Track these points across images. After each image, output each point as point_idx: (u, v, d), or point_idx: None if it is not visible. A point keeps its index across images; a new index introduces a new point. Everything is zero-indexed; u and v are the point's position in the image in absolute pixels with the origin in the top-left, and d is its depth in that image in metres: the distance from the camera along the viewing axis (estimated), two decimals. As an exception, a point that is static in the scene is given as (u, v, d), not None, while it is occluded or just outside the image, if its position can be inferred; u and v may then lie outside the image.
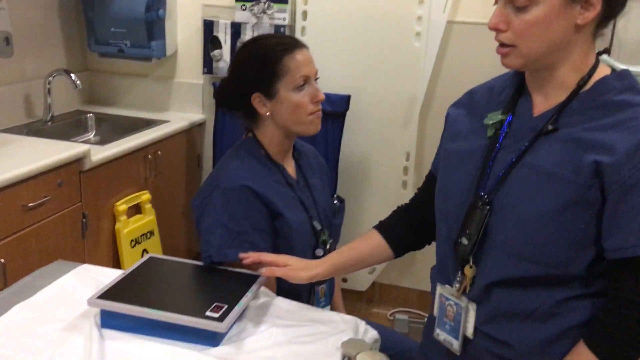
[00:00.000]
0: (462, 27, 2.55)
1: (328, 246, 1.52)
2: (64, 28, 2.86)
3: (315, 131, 1.49)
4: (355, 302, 2.91)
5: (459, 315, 1.11)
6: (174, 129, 2.72)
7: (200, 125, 2.99)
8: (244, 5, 2.66)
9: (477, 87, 1.22)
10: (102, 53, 2.92)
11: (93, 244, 2.27)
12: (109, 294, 1.19)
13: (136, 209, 2.53)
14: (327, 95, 1.57)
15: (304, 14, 2.59)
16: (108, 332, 1.15)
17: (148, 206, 2.56)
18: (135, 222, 2.48)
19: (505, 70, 1.14)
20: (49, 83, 2.64)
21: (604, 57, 1.08)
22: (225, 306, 1.17)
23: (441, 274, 1.18)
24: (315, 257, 1.51)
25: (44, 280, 1.34)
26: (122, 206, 2.38)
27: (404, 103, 2.61)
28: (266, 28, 2.67)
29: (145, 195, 2.54)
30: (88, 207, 2.21)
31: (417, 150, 2.68)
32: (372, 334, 1.28)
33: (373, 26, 2.55)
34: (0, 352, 1.07)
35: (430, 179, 1.31)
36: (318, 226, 1.51)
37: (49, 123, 2.64)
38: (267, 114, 1.46)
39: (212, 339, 1.14)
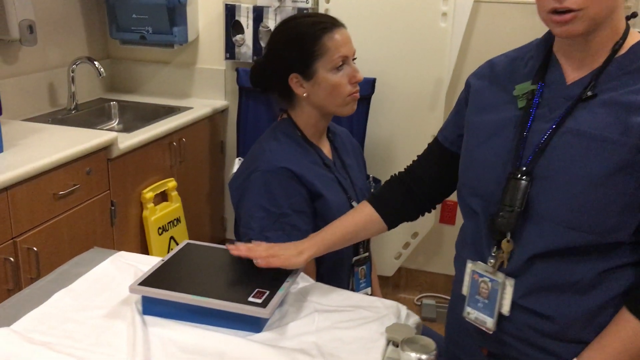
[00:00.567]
0: (490, 5, 2.50)
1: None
2: (85, 15, 2.86)
3: (351, 112, 1.46)
4: (381, 288, 2.85)
5: (494, 292, 1.09)
6: (198, 115, 2.71)
7: (223, 111, 2.98)
8: (266, -12, 2.63)
9: (497, 58, 1.19)
10: (124, 40, 2.91)
11: (122, 231, 2.28)
12: (150, 280, 1.18)
13: (162, 197, 2.52)
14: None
15: (328, -4, 2.56)
16: (150, 319, 1.14)
17: (174, 193, 2.55)
18: (162, 210, 2.48)
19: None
20: (73, 71, 2.63)
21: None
22: (267, 292, 1.15)
23: (473, 251, 1.14)
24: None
25: (82, 267, 1.34)
26: (149, 194, 2.38)
27: (430, 85, 2.58)
28: (289, 12, 2.64)
29: (171, 183, 2.53)
30: (116, 195, 2.21)
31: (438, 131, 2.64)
32: (414, 319, 1.26)
33: (398, 7, 2.51)
34: (44, 339, 1.07)
35: (437, 149, 1.28)
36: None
37: (73, 111, 2.65)
38: (304, 94, 1.44)
39: (254, 324, 1.12)
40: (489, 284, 1.09)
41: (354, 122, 2.48)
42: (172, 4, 2.70)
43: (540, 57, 1.09)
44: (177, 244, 2.52)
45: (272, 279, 1.20)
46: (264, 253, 1.22)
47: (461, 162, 1.18)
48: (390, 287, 2.96)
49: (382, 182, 1.68)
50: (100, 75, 2.60)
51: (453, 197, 2.94)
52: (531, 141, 1.04)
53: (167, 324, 1.13)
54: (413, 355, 1.01)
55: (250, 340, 1.09)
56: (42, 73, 2.58)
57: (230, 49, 2.81)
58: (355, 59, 1.46)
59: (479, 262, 1.12)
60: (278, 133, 1.47)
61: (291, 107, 1.49)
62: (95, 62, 2.59)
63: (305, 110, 1.47)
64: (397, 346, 1.07)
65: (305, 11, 2.58)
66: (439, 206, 2.70)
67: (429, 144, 1.32)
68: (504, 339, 1.10)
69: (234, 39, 2.77)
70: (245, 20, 2.74)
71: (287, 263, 1.22)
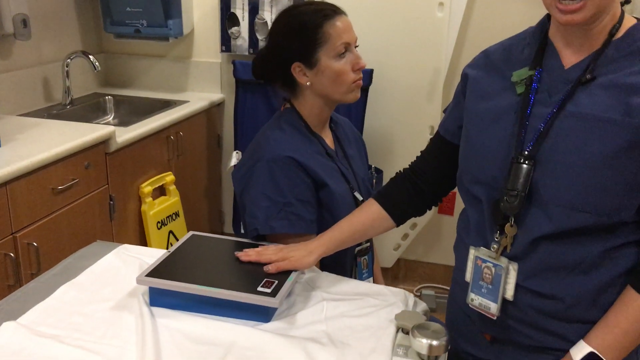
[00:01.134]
0: (486, -5, 2.50)
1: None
2: (78, 9, 2.83)
3: (355, 99, 1.45)
4: (381, 279, 2.90)
5: (498, 276, 1.09)
6: (194, 109, 2.70)
7: (219, 105, 2.96)
8: (262, -20, 2.61)
9: (492, 47, 1.19)
10: (118, 34, 2.89)
11: (121, 225, 2.26)
12: (157, 272, 1.17)
13: (161, 191, 2.51)
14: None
15: (324, -13, 2.55)
16: (157, 310, 1.14)
17: (172, 187, 2.54)
18: (161, 204, 2.46)
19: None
20: (67, 66, 2.61)
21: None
22: (276, 282, 1.15)
23: (476, 237, 1.15)
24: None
25: (86, 260, 1.33)
26: (147, 188, 2.37)
27: (427, 75, 2.57)
28: (285, 3, 2.62)
29: (169, 177, 2.52)
30: (114, 189, 2.20)
31: (438, 125, 2.64)
32: (422, 306, 1.27)
33: (395, -3, 2.50)
34: (52, 332, 1.06)
35: (440, 142, 1.28)
36: (359, 197, 1.49)
37: (69, 106, 2.62)
38: (308, 83, 1.43)
39: (263, 314, 1.12)
40: (493, 269, 1.10)
41: (351, 113, 2.48)
42: (167, -4, 2.68)
43: (536, 43, 1.10)
44: (177, 239, 2.52)
45: (279, 269, 1.20)
46: (273, 257, 1.23)
47: (461, 151, 1.19)
48: (389, 278, 2.96)
49: (383, 173, 1.69)
50: (96, 69, 2.58)
51: (452, 187, 2.91)
52: (532, 126, 1.05)
53: (175, 315, 1.12)
54: (424, 341, 1.01)
55: (261, 330, 1.09)
56: (36, 68, 2.56)
57: (226, 42, 2.80)
58: (357, 46, 1.45)
59: (482, 247, 1.12)
60: (282, 122, 1.46)
61: (294, 96, 1.49)
62: (90, 56, 2.57)
63: (309, 100, 1.46)
64: (407, 333, 1.07)
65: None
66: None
67: (431, 139, 1.33)
68: (508, 323, 1.11)
69: (229, 31, 2.75)
70: (241, 12, 2.72)
71: (297, 265, 1.22)
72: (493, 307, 1.10)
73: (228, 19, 2.74)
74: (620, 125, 0.96)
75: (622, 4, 1.06)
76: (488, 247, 1.11)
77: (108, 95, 2.87)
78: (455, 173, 1.25)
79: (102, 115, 2.82)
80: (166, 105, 2.71)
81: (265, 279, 1.15)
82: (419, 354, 1.03)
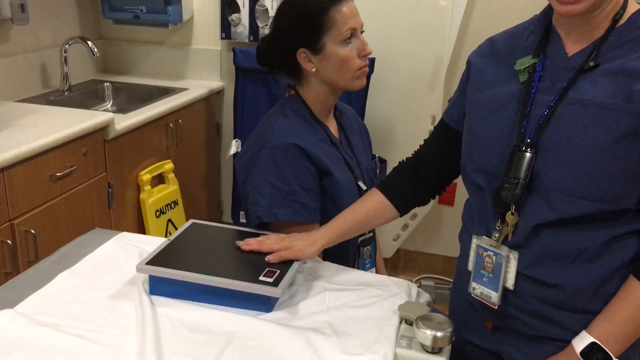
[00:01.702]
0: (490, -16, 2.47)
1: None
2: (77, -6, 2.79)
3: (361, 87, 1.43)
4: (380, 269, 2.89)
5: (498, 265, 1.08)
6: (194, 96, 2.67)
7: (219, 92, 2.93)
8: (263, -34, 2.58)
9: (497, 36, 1.18)
10: (117, 20, 2.85)
11: (119, 214, 2.24)
12: (157, 260, 1.15)
13: (159, 179, 2.49)
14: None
15: (326, -26, 2.51)
16: (157, 299, 1.12)
17: (171, 175, 2.52)
18: (160, 192, 2.44)
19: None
20: (65, 52, 2.58)
21: None
22: (278, 271, 1.13)
23: (478, 226, 1.14)
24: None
25: (85, 248, 1.31)
26: (146, 176, 2.35)
27: (429, 65, 2.55)
28: (286, -10, 2.59)
29: (168, 165, 2.50)
30: (113, 176, 2.18)
31: (443, 113, 2.62)
32: (425, 297, 1.25)
33: (397, -15, 2.47)
34: (50, 320, 1.04)
35: (444, 130, 1.26)
36: (363, 186, 1.47)
37: (66, 93, 2.59)
38: (313, 70, 1.41)
39: (265, 304, 1.11)
40: (494, 258, 1.09)
41: (353, 102, 2.45)
42: (166, -19, 2.64)
43: (540, 31, 1.09)
44: (175, 227, 2.50)
45: (281, 258, 1.18)
46: (275, 246, 1.21)
47: (464, 139, 1.18)
48: (388, 268, 2.95)
49: (387, 163, 1.67)
50: (94, 55, 2.55)
51: (453, 177, 2.90)
52: (535, 114, 1.04)
53: (175, 304, 1.11)
54: (429, 332, 0.99)
55: (262, 320, 1.07)
56: (34, 53, 2.53)
57: (226, 29, 2.76)
58: (363, 32, 1.43)
59: (484, 236, 1.11)
60: (287, 109, 1.44)
61: (299, 83, 1.46)
62: (89, 42, 2.53)
63: (314, 87, 1.44)
64: (411, 324, 1.06)
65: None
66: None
67: (435, 127, 1.31)
68: (509, 312, 1.10)
69: (229, 18, 2.72)
70: (241, -1, 2.69)
71: (300, 254, 1.21)
72: (494, 296, 1.09)
73: (228, 5, 2.71)
74: (622, 111, 0.95)
75: None
76: (490, 235, 1.10)
77: (106, 82, 2.84)
78: (459, 160, 1.24)
79: (100, 102, 2.79)
80: (165, 92, 2.68)
81: (267, 269, 1.14)
82: (422, 345, 1.01)
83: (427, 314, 1.04)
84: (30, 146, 1.76)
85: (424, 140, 1.33)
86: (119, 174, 2.22)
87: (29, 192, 1.79)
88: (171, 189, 2.52)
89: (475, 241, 1.13)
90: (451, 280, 2.85)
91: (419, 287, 1.29)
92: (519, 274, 1.07)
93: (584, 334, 1.02)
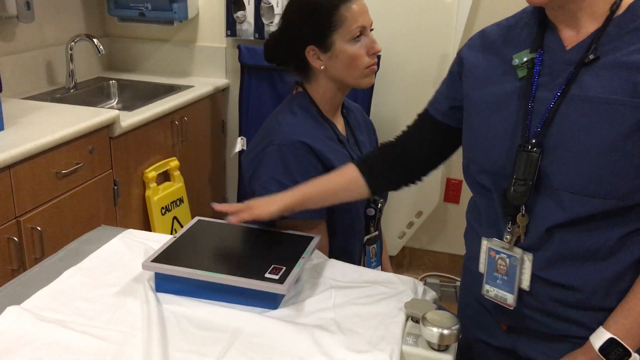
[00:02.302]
0: (497, -20, 2.46)
1: (379, 205, 1.48)
2: (82, -8, 2.80)
3: (369, 85, 1.43)
4: (385, 267, 2.88)
5: (513, 268, 1.06)
6: (199, 94, 2.67)
7: (224, 90, 2.93)
8: (268, -37, 2.58)
9: (489, 28, 1.14)
10: (123, 17, 2.85)
11: (125, 211, 2.25)
12: (163, 257, 1.15)
13: (165, 176, 2.49)
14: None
15: (331, -29, 2.50)
16: (163, 296, 1.12)
17: (177, 173, 2.52)
18: (165, 190, 2.45)
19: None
20: (71, 49, 2.58)
21: None
22: (284, 268, 1.13)
23: (487, 228, 1.12)
24: (366, 216, 1.47)
25: (91, 245, 1.31)
26: (151, 173, 2.35)
27: (435, 62, 2.54)
28: (291, -13, 2.58)
29: (174, 162, 2.50)
30: (119, 174, 2.18)
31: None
32: (431, 294, 1.25)
33: (403, -18, 2.46)
34: (57, 317, 1.04)
35: (428, 121, 1.24)
36: (369, 184, 1.46)
37: (72, 90, 2.60)
38: (322, 67, 1.40)
39: (271, 301, 1.10)
40: (507, 261, 1.07)
41: (358, 99, 2.45)
42: (172, -21, 2.64)
43: (535, 23, 1.06)
44: (181, 225, 2.51)
45: (287, 255, 1.18)
46: (239, 207, 1.23)
47: (465, 140, 1.15)
48: (394, 266, 2.93)
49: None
50: (100, 53, 2.55)
51: (457, 175, 2.94)
52: (537, 111, 1.01)
53: (181, 301, 1.11)
54: (435, 330, 0.99)
55: (268, 317, 1.07)
56: (39, 51, 2.53)
57: (231, 26, 2.76)
58: (372, 29, 1.42)
59: (495, 238, 1.09)
60: (294, 106, 1.43)
61: (307, 80, 1.46)
62: (94, 40, 2.54)
63: (322, 84, 1.44)
64: (417, 322, 1.06)
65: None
66: (444, 185, 2.70)
67: (418, 115, 1.28)
68: (525, 312, 1.09)
69: (235, 15, 2.72)
70: (247, -4, 2.69)
71: (258, 212, 1.21)
72: (510, 298, 1.08)
73: (233, 2, 2.71)
74: (628, 106, 0.93)
75: None
76: (501, 237, 1.08)
77: (112, 79, 2.84)
78: (441, 153, 1.24)
79: (106, 100, 2.80)
80: (170, 90, 2.68)
81: (273, 266, 1.13)
82: (429, 343, 1.01)
83: (433, 312, 1.04)
84: (36, 143, 1.76)
85: (407, 126, 1.30)
86: (124, 172, 2.22)
87: (35, 189, 1.79)
88: (176, 186, 2.52)
89: (485, 243, 1.11)
90: (456, 278, 2.86)
91: (424, 284, 1.28)
92: (533, 275, 1.05)
93: (601, 330, 1.01)
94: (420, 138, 1.25)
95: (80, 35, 2.59)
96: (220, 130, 2.97)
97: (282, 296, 1.12)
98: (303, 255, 1.18)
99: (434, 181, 2.59)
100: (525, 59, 1.03)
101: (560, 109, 0.99)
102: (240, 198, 2.72)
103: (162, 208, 2.43)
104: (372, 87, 2.53)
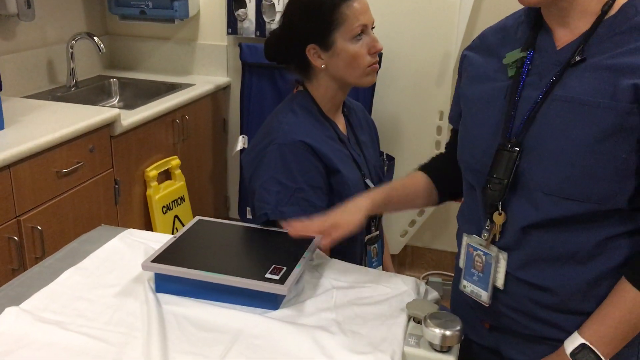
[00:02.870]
0: (499, -23, 2.44)
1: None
2: (83, -10, 2.79)
3: (371, 83, 1.42)
4: (387, 265, 2.87)
5: (488, 265, 1.07)
6: (200, 92, 2.66)
7: (225, 88, 2.92)
8: (269, -40, 2.56)
9: (488, 29, 1.15)
10: (124, 15, 2.85)
11: (126, 210, 2.24)
12: (163, 257, 1.14)
13: (166, 175, 2.49)
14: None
15: (332, -32, 2.49)
16: (163, 297, 1.11)
17: (178, 172, 2.51)
18: (166, 188, 2.44)
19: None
20: (72, 47, 2.57)
21: None
22: (284, 268, 1.12)
23: (468, 224, 1.13)
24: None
25: (91, 245, 1.31)
26: (152, 172, 2.34)
27: (437, 59, 2.53)
28: (293, -15, 2.57)
29: (175, 161, 2.49)
30: (119, 173, 2.18)
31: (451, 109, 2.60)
32: (433, 294, 1.24)
33: (405, -21, 2.45)
34: (56, 318, 1.04)
35: (452, 132, 1.26)
36: (371, 184, 1.45)
37: (73, 89, 2.59)
38: (323, 66, 1.39)
39: (271, 301, 1.09)
40: (483, 257, 1.08)
41: (360, 98, 2.44)
42: (173, -23, 2.63)
43: (530, 22, 1.05)
44: (182, 223, 2.50)
45: (288, 255, 1.17)
46: (321, 228, 1.18)
47: (458, 137, 1.16)
48: (396, 265, 2.93)
49: (395, 160, 1.65)
50: (101, 51, 2.54)
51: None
52: (521, 110, 1.01)
53: (181, 302, 1.10)
54: (437, 331, 0.98)
55: (268, 318, 1.06)
56: (40, 49, 2.52)
57: (232, 24, 2.75)
58: (374, 27, 1.41)
59: (474, 235, 1.10)
60: (295, 106, 1.42)
61: (308, 79, 1.45)
62: (95, 38, 2.53)
63: (323, 83, 1.43)
64: (419, 322, 1.05)
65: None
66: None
67: (451, 130, 1.29)
68: (502, 311, 1.08)
69: (236, 13, 2.71)
70: (248, -7, 2.68)
71: (350, 228, 1.17)
72: (484, 295, 1.08)
73: (234, 0, 2.70)
74: (605, 109, 0.92)
75: None
76: (480, 235, 1.08)
77: (113, 77, 2.84)
78: None
79: (107, 98, 2.79)
80: (172, 88, 2.67)
81: (274, 266, 1.13)
82: (431, 344, 1.00)
83: (435, 312, 1.03)
84: (37, 142, 1.76)
85: (446, 144, 1.32)
86: (125, 170, 2.21)
87: (36, 189, 1.79)
88: (178, 185, 2.51)
89: (465, 239, 1.11)
90: (459, 277, 2.85)
91: (426, 283, 1.27)
92: (509, 274, 1.05)
93: (575, 335, 1.00)
94: (453, 145, 1.26)
95: (80, 34, 2.58)
96: (221, 129, 2.96)
97: (283, 297, 1.11)
98: (304, 256, 1.17)
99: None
100: (515, 58, 1.03)
101: (542, 109, 0.98)
102: (242, 196, 2.72)
103: (164, 207, 2.42)
104: (373, 86, 2.51)
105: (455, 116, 1.20)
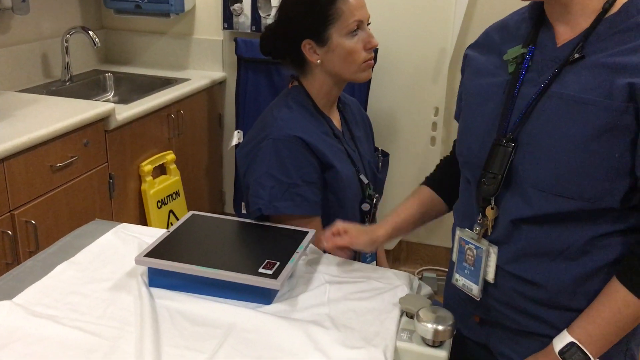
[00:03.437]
0: (495, -27, 2.44)
1: (374, 200, 1.47)
2: (78, -16, 2.77)
3: (366, 79, 1.42)
4: (382, 261, 2.88)
5: (479, 259, 1.08)
6: (196, 87, 2.65)
7: (221, 83, 2.92)
8: (265, -45, 2.56)
9: (491, 26, 1.16)
10: (119, 9, 2.84)
11: (121, 204, 2.24)
12: (156, 252, 1.14)
13: (161, 170, 2.48)
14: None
15: (328, -37, 2.48)
16: (157, 291, 1.11)
17: (173, 166, 2.51)
18: (161, 183, 2.44)
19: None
20: (66, 41, 2.56)
21: None
22: (278, 263, 1.12)
23: (462, 219, 1.14)
24: (361, 211, 1.46)
25: (84, 239, 1.30)
26: (147, 166, 2.34)
27: (433, 55, 2.53)
28: (288, -21, 2.56)
29: (170, 156, 2.49)
30: (114, 167, 2.17)
31: (446, 105, 2.60)
32: (426, 289, 1.25)
33: (401, -25, 2.45)
34: (49, 312, 1.04)
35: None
36: (365, 180, 1.46)
37: (68, 83, 2.58)
38: (318, 61, 1.39)
39: (265, 296, 1.10)
40: (474, 251, 1.09)
41: (356, 93, 2.43)
42: (168, -29, 2.62)
43: (533, 18, 1.06)
44: (177, 218, 2.50)
45: (281, 250, 1.18)
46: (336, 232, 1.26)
47: (457, 131, 1.16)
48: (390, 260, 2.94)
49: (389, 156, 1.66)
50: (95, 45, 2.53)
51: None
52: (518, 106, 1.01)
53: (175, 296, 1.10)
54: (430, 326, 0.99)
55: (262, 312, 1.06)
56: (35, 43, 2.51)
57: (227, 19, 2.74)
58: (369, 23, 1.41)
59: (467, 229, 1.11)
60: (290, 101, 1.42)
61: (303, 74, 1.45)
62: (90, 32, 2.52)
63: (318, 78, 1.42)
64: (412, 317, 1.05)
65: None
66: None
67: None
68: (492, 304, 1.09)
69: (231, 8, 2.70)
70: (244, -12, 2.67)
71: (355, 242, 1.26)
72: (475, 289, 1.09)
73: (230, -5, 2.69)
74: (599, 107, 0.92)
75: None
76: (473, 229, 1.09)
77: (108, 72, 2.83)
78: None
79: (102, 93, 2.78)
80: (167, 83, 2.67)
81: (267, 261, 1.13)
82: (423, 339, 1.01)
83: (428, 307, 1.03)
84: (31, 136, 1.75)
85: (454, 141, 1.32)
86: (120, 165, 2.21)
87: (30, 183, 1.78)
88: (173, 179, 2.51)
89: (458, 233, 1.12)
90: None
91: (420, 279, 1.28)
92: (499, 268, 1.06)
93: (564, 333, 1.01)
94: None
95: (75, 28, 2.57)
96: (217, 124, 2.96)
97: (276, 291, 1.12)
98: (297, 250, 1.18)
99: (431, 175, 2.58)
100: (516, 54, 1.04)
101: (538, 105, 0.99)
102: (238, 191, 2.71)
103: (158, 201, 2.42)
104: (369, 82, 2.51)
105: (459, 113, 1.21)
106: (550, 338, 1.03)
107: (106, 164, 2.13)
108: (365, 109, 2.53)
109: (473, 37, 2.72)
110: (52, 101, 2.14)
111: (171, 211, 2.51)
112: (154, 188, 2.38)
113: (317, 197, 1.36)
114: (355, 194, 1.35)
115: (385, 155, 1.64)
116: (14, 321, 1.00)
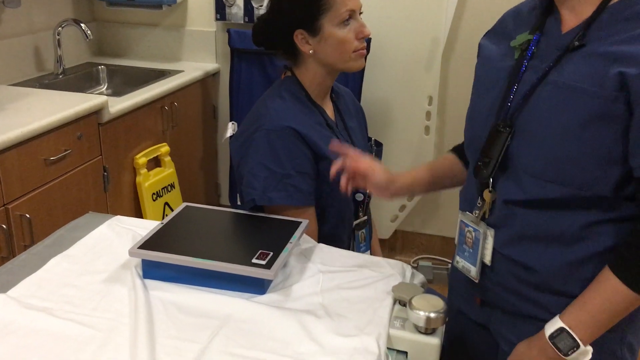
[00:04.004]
0: (488, -39, 2.43)
1: (368, 190, 1.47)
2: (69, -24, 2.76)
3: (359, 68, 1.42)
4: (378, 250, 2.89)
5: (477, 241, 1.10)
6: (189, 79, 2.65)
7: (215, 74, 2.91)
8: (257, -55, 2.54)
9: (508, 12, 1.17)
10: (111, 1, 2.82)
11: (115, 197, 2.24)
12: (150, 243, 1.15)
13: (156, 162, 2.48)
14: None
15: (321, -47, 2.47)
16: (151, 283, 1.12)
17: (167, 159, 2.51)
18: (156, 175, 2.44)
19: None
20: (59, 34, 2.55)
21: None
22: (271, 253, 1.13)
23: (465, 201, 1.16)
24: (355, 201, 1.47)
25: (78, 232, 1.31)
26: (142, 159, 2.34)
27: (426, 45, 2.52)
28: (281, -31, 2.55)
29: (164, 148, 2.49)
30: (108, 160, 2.17)
31: (440, 94, 2.60)
32: (419, 278, 1.25)
33: (393, -36, 2.44)
34: (43, 305, 1.04)
35: None
36: (357, 170, 1.46)
37: (61, 76, 2.57)
38: (310, 51, 1.39)
39: (258, 286, 1.10)
40: (473, 234, 1.10)
41: (349, 83, 2.43)
42: (160, -38, 2.61)
43: (542, 6, 1.06)
44: (172, 210, 2.50)
45: (275, 240, 1.18)
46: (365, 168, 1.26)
47: (466, 115, 1.18)
48: (386, 249, 2.95)
49: (383, 146, 1.67)
50: (88, 38, 2.52)
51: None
52: (519, 92, 1.03)
53: (169, 288, 1.11)
54: (422, 313, 0.99)
55: (256, 302, 1.07)
56: (27, 36, 2.50)
57: (220, 10, 2.73)
58: (362, 13, 1.41)
59: (467, 212, 1.12)
60: (283, 91, 1.42)
61: (296, 65, 1.45)
62: (82, 25, 2.51)
63: (311, 68, 1.42)
64: (405, 305, 1.06)
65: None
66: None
67: None
68: (490, 287, 1.11)
69: (224, -1, 2.69)
70: (236, -21, 2.66)
71: (374, 191, 1.26)
72: (473, 271, 1.11)
73: (223, -14, 2.67)
74: (591, 96, 0.93)
75: None
76: (472, 211, 1.11)
77: (101, 64, 2.82)
78: None
79: (95, 85, 2.77)
80: (160, 75, 2.66)
81: (260, 251, 1.13)
82: (416, 326, 1.01)
83: (420, 295, 1.04)
84: (24, 130, 1.75)
85: None
86: (114, 158, 2.21)
87: (24, 176, 1.78)
88: (167, 172, 2.51)
89: (460, 216, 1.15)
90: (449, 261, 2.86)
91: (416, 267, 1.29)
92: (495, 251, 1.08)
93: (555, 318, 1.02)
94: None
95: (67, 20, 2.56)
96: (211, 116, 2.95)
97: (270, 281, 1.12)
98: (290, 240, 1.18)
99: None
100: (522, 41, 1.05)
101: (536, 92, 1.00)
102: (233, 183, 2.72)
103: (153, 194, 2.42)
104: (362, 71, 2.51)
105: None
106: (546, 322, 1.04)
107: (100, 156, 2.13)
108: (359, 99, 2.53)
109: (466, 25, 2.73)
110: (45, 94, 2.13)
111: (166, 203, 2.51)
112: (148, 180, 2.38)
113: (311, 188, 1.36)
114: (348, 184, 1.35)
115: (379, 145, 1.65)
116: (8, 314, 1.00)
